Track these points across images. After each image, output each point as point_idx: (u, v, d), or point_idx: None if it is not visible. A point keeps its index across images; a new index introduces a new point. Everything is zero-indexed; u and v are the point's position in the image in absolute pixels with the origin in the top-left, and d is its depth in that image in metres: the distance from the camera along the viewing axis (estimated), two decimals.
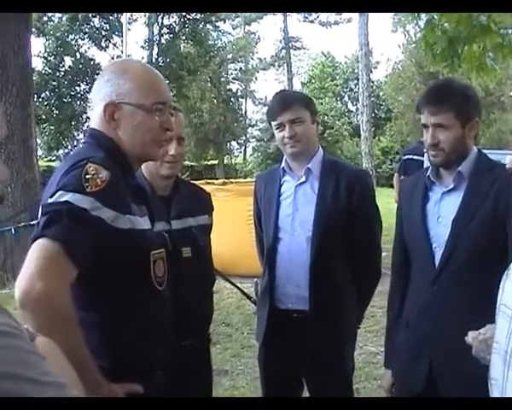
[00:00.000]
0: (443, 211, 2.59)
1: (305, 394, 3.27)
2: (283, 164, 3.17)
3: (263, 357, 3.28)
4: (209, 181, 13.49)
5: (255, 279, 8.46)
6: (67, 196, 1.84)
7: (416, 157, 8.61)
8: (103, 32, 28.19)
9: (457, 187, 2.57)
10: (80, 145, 2.61)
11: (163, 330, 2.12)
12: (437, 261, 2.55)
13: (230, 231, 8.16)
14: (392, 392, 2.89)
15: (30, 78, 10.42)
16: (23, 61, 10.02)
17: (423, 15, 6.88)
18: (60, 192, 1.85)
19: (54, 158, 30.25)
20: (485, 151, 2.71)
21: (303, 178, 3.10)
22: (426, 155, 2.74)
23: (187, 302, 2.64)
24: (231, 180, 15.48)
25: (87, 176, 1.86)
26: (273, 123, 3.11)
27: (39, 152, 24.24)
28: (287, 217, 3.10)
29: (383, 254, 3.30)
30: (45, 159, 29.06)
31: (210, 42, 32.18)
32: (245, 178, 32.26)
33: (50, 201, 1.86)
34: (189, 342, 2.76)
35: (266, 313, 3.12)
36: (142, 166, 2.90)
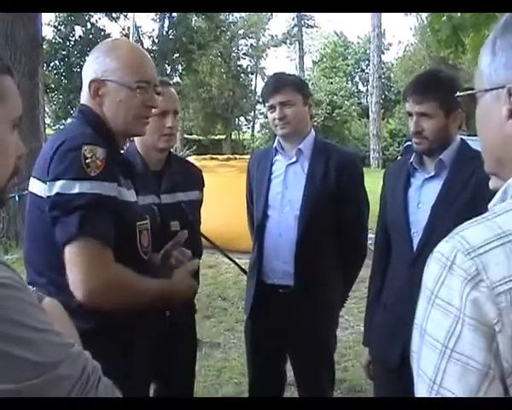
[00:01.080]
0: (423, 197, 2.67)
1: (288, 366, 3.39)
2: (275, 144, 3.26)
3: (249, 328, 3.39)
4: (213, 157, 13.56)
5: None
6: (77, 187, 1.91)
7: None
8: None
9: (438, 174, 2.65)
10: (70, 120, 2.70)
11: None
12: (415, 246, 2.63)
13: (231, 206, 8.24)
14: (370, 369, 3.00)
15: (39, 47, 10.47)
16: (33, 31, 10.07)
17: None
18: (63, 182, 1.92)
19: (62, 127, 30.37)
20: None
21: (294, 159, 3.18)
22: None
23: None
24: (236, 156, 15.55)
25: (87, 160, 1.93)
26: (266, 104, 3.20)
27: (47, 120, 24.31)
28: (277, 195, 3.19)
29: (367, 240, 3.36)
30: (54, 127, 29.15)
31: (221, 16, 32.04)
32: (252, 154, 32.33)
33: (61, 192, 1.92)
34: (172, 314, 2.85)
35: (254, 287, 3.22)
36: (137, 141, 3.02)
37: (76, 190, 1.91)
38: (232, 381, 5.15)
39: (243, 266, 8.31)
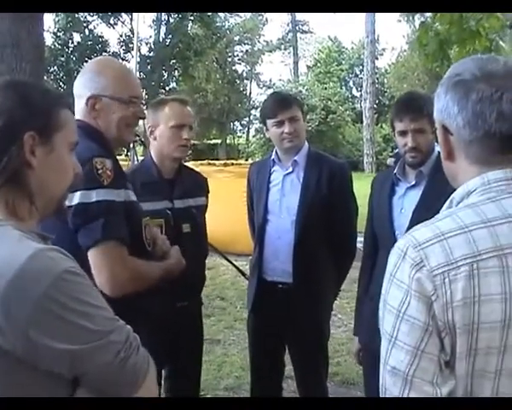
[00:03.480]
0: (406, 204, 3.04)
1: (287, 356, 3.74)
2: (273, 156, 3.61)
3: (251, 322, 3.73)
4: (211, 162, 13.91)
5: (250, 257, 8.91)
6: (94, 196, 2.19)
7: None
8: None
9: (418, 184, 3.02)
10: None
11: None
12: None
13: (229, 210, 8.54)
14: (360, 355, 3.37)
15: (43, 56, 10.74)
16: (37, 41, 10.32)
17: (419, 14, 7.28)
18: (81, 192, 2.17)
19: None
20: None
21: (290, 169, 3.54)
22: (401, 156, 3.15)
23: (184, 270, 3.09)
24: (232, 162, 15.90)
25: (98, 171, 2.22)
26: (271, 120, 3.50)
27: None
28: (275, 202, 3.54)
29: (356, 241, 3.67)
30: None
31: (218, 23, 32.32)
32: (247, 159, 32.54)
33: (81, 201, 2.17)
34: (183, 304, 3.25)
35: (255, 284, 3.57)
36: (153, 152, 3.40)
37: (94, 199, 2.18)
38: (233, 374, 5.47)
39: (240, 268, 8.69)
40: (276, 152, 3.61)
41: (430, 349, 1.29)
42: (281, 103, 3.52)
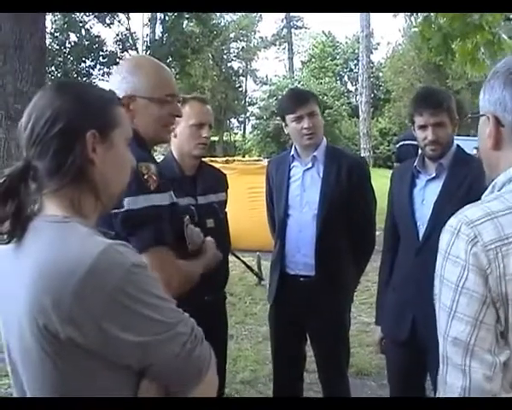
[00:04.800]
0: (427, 195, 3.13)
1: (308, 347, 3.83)
2: (293, 152, 3.68)
3: (273, 315, 3.79)
4: (212, 159, 13.93)
5: (257, 253, 9.03)
6: (142, 202, 2.18)
7: (410, 142, 9.05)
8: None
9: (439, 176, 3.12)
10: None
11: None
12: (420, 236, 3.09)
13: (233, 207, 8.56)
14: (382, 344, 3.45)
15: (45, 57, 10.80)
16: (39, 42, 10.37)
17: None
18: (130, 198, 2.14)
19: None
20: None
21: (310, 164, 3.61)
22: (420, 149, 3.22)
23: None
24: (234, 158, 15.95)
25: (144, 176, 2.21)
26: (290, 116, 3.56)
27: None
28: (296, 197, 3.62)
29: (376, 233, 3.76)
30: None
31: (214, 21, 32.32)
32: (243, 155, 32.58)
33: (129, 208, 2.15)
34: (210, 298, 3.29)
35: (277, 278, 3.64)
36: (173, 149, 3.47)
37: (142, 205, 2.17)
38: (248, 368, 5.56)
39: (248, 264, 8.77)
40: (295, 148, 3.68)
41: (488, 320, 1.39)
42: (299, 99, 3.58)
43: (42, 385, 1.44)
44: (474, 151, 6.38)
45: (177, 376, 1.50)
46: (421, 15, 7.71)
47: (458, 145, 3.19)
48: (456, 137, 3.22)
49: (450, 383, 1.41)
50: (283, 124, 3.69)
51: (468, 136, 12.53)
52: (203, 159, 3.63)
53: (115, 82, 2.47)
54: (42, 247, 1.42)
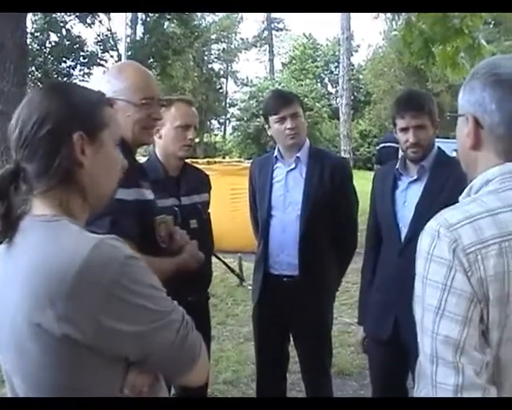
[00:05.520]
0: (408, 197, 3.18)
1: (292, 347, 3.86)
2: (276, 153, 3.70)
3: (257, 314, 3.82)
4: (193, 160, 13.93)
5: (239, 254, 9.04)
6: None
7: (390, 144, 9.12)
8: None
9: (420, 178, 3.16)
10: None
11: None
12: (403, 237, 3.13)
13: (215, 208, 8.56)
14: (365, 344, 3.49)
15: (26, 57, 10.73)
16: (20, 41, 10.31)
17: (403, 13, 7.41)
18: None
19: None
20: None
21: (293, 165, 3.64)
22: (401, 151, 3.27)
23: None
24: (215, 160, 15.96)
25: None
26: (274, 117, 3.58)
27: None
28: (279, 197, 3.64)
29: (357, 234, 3.79)
30: None
31: (195, 22, 32.28)
32: (224, 157, 32.57)
33: None
34: (193, 299, 3.29)
35: (261, 278, 3.67)
36: (158, 150, 3.49)
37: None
38: (230, 369, 5.57)
39: (229, 265, 8.78)
40: (278, 149, 3.70)
41: (475, 317, 1.42)
42: (282, 100, 3.61)
43: (38, 385, 1.45)
44: (454, 153, 6.44)
45: (173, 363, 1.53)
46: (401, 18, 7.78)
47: (439, 147, 3.24)
48: (435, 139, 3.26)
49: (442, 382, 1.43)
50: (266, 125, 3.71)
51: (448, 138, 12.65)
52: (186, 160, 3.65)
53: (100, 85, 2.52)
54: (34, 246, 1.43)
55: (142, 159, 3.73)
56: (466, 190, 1.61)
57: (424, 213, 2.93)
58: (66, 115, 1.52)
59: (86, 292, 1.36)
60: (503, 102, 1.52)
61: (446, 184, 3.04)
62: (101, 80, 2.61)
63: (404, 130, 3.13)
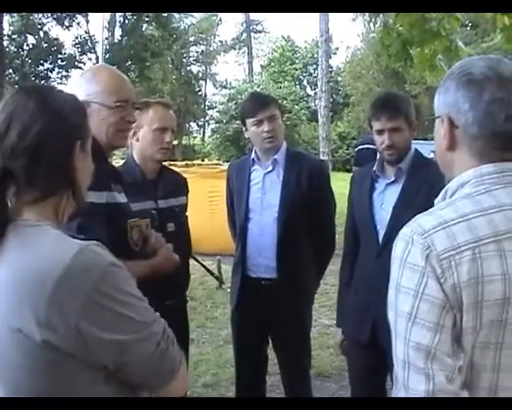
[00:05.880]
0: (386, 199, 3.18)
1: (270, 350, 3.85)
2: (253, 155, 3.70)
3: (236, 317, 3.80)
4: (172, 163, 13.88)
5: (218, 257, 9.04)
6: None
7: (368, 146, 9.14)
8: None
9: (398, 180, 3.17)
10: None
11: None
12: (380, 239, 3.13)
13: (194, 211, 8.54)
14: (344, 345, 3.49)
15: (3, 59, 10.67)
16: None
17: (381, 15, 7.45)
18: None
19: None
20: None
21: (270, 168, 3.64)
22: (379, 153, 3.27)
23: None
24: (194, 162, 15.93)
25: None
26: (251, 119, 3.58)
27: None
28: (256, 200, 3.64)
29: (335, 236, 3.79)
30: None
31: (173, 24, 32.23)
32: (203, 159, 32.51)
33: None
34: (171, 302, 3.26)
35: (239, 281, 3.66)
36: (135, 153, 3.47)
37: None
38: (209, 372, 5.56)
39: (208, 268, 8.76)
40: (255, 151, 3.70)
41: (447, 324, 1.42)
42: (260, 103, 3.61)
43: (17, 390, 1.44)
44: (432, 155, 6.48)
45: (151, 375, 1.52)
46: (379, 21, 7.83)
47: (417, 149, 3.25)
48: (413, 141, 3.27)
49: (414, 388, 1.43)
50: (244, 128, 3.71)
51: (426, 139, 12.75)
52: (163, 163, 3.64)
53: (74, 88, 2.51)
54: (16, 251, 1.43)
55: (120, 162, 3.71)
56: (441, 194, 1.61)
57: (401, 215, 2.96)
58: (72, 123, 1.55)
59: (67, 298, 1.36)
60: (476, 102, 1.52)
61: (423, 185, 3.05)
62: (75, 84, 2.59)
63: (380, 132, 3.14)
